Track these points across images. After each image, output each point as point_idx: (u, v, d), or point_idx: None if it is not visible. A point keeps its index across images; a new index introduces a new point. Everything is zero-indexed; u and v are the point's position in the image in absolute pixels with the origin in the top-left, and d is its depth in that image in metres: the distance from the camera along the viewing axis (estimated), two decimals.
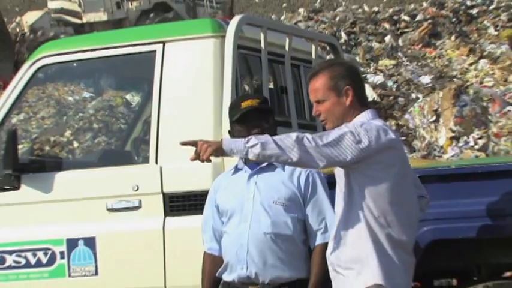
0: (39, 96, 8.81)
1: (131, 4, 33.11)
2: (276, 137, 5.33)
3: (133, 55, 7.43)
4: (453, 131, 14.99)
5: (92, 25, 33.06)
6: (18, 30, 31.73)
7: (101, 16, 32.36)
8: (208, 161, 5.39)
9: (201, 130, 6.99)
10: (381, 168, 5.43)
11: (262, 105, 6.40)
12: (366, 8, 38.34)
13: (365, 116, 5.62)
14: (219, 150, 5.41)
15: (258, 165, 6.26)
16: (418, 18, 28.19)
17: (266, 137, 5.33)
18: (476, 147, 14.70)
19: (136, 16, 32.41)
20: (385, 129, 5.54)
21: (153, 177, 7.17)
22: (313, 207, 6.17)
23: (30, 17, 32.23)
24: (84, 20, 32.35)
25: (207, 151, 5.39)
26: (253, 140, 5.28)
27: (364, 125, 5.44)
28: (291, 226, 6.16)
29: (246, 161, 6.28)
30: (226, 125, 6.62)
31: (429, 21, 26.55)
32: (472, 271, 6.71)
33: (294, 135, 5.28)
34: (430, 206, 6.03)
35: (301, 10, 43.08)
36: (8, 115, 7.56)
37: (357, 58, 20.49)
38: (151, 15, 32.41)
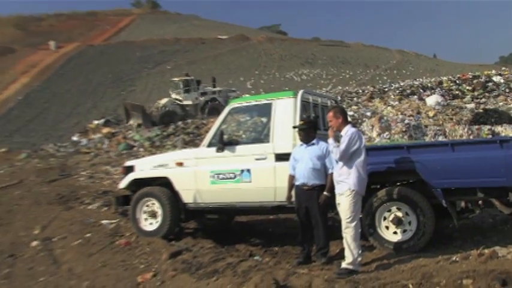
0: (231, 119, 8.92)
1: (201, 98, 32.77)
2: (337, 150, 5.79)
3: (265, 104, 7.53)
4: (378, 132, 14.75)
5: (187, 105, 32.48)
6: (157, 106, 31.75)
7: (189, 102, 32.02)
8: None
9: (288, 131, 7.05)
10: (358, 145, 5.68)
11: (303, 124, 6.61)
12: (346, 88, 37.80)
13: (348, 126, 5.82)
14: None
15: (308, 143, 6.46)
16: (366, 90, 27.62)
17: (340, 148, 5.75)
18: (375, 138, 14.61)
19: (203, 103, 32.35)
20: (358, 131, 5.89)
21: (270, 147, 7.18)
22: (329, 159, 6.30)
23: (163, 101, 31.93)
24: (184, 103, 32.19)
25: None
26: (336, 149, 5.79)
27: (352, 131, 5.78)
28: (319, 164, 6.41)
29: (305, 141, 6.55)
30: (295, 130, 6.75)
31: (371, 91, 26.01)
32: (385, 183, 6.67)
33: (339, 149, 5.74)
34: (369, 159, 6.14)
35: (323, 89, 42.51)
36: (220, 127, 7.72)
37: (344, 106, 20.49)
38: (209, 103, 32.19)
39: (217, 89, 33.93)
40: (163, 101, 32.37)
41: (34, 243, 9.27)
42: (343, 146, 5.74)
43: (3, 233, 10.58)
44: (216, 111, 30.58)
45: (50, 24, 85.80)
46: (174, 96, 32.99)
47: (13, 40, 73.30)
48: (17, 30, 79.76)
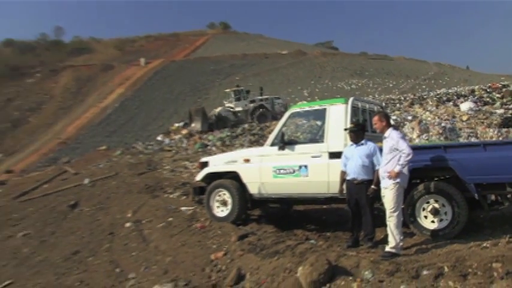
0: (290, 122, 8.67)
1: (250, 105, 31.34)
2: (401, 162, 5.62)
3: (320, 109, 7.42)
4: (418, 134, 14.37)
5: (239, 112, 31.39)
6: (214, 113, 30.57)
7: (240, 109, 31.06)
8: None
9: (340, 132, 6.97)
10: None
11: (353, 127, 6.51)
12: (390, 95, 36.63)
13: (391, 129, 5.74)
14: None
15: (357, 143, 6.37)
16: (407, 98, 26.88)
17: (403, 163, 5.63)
18: (415, 139, 14.06)
19: (251, 110, 31.02)
20: (400, 132, 5.82)
21: (325, 146, 7.09)
22: (376, 157, 6.21)
23: (217, 109, 30.82)
24: (236, 109, 31.15)
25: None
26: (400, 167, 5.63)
27: (397, 133, 5.70)
28: (367, 162, 6.29)
29: (355, 142, 6.46)
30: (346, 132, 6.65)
31: (412, 98, 25.29)
32: (425, 178, 6.50)
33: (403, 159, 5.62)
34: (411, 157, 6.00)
35: (370, 96, 41.44)
36: (281, 129, 7.66)
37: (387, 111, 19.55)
38: (257, 109, 30.82)
39: (265, 97, 33.49)
40: (218, 109, 32.22)
41: (128, 224, 9.64)
42: (407, 149, 5.67)
43: (104, 215, 11.06)
44: (263, 116, 30.31)
45: (140, 45, 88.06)
46: (227, 104, 32.78)
47: (113, 58, 75.87)
48: (116, 50, 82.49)
